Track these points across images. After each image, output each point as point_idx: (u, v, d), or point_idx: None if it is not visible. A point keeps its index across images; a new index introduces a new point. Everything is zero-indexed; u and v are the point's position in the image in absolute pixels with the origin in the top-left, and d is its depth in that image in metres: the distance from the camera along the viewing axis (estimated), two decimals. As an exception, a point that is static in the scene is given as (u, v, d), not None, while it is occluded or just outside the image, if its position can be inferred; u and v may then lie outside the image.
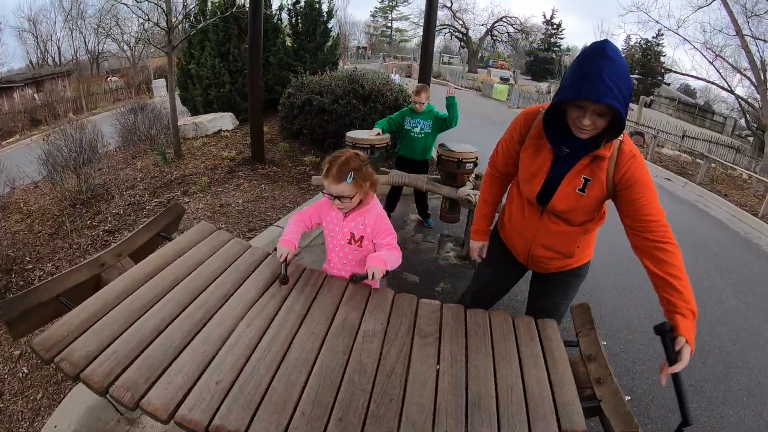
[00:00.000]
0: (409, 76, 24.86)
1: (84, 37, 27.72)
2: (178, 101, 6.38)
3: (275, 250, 1.63)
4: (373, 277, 1.47)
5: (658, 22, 13.03)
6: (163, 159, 5.74)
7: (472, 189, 3.41)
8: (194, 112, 8.81)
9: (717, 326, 3.57)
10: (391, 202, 4.06)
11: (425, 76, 5.25)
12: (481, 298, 1.85)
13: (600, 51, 1.13)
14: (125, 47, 26.58)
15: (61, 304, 1.42)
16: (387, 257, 1.53)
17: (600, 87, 1.10)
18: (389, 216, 4.13)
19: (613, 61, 1.12)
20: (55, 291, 1.41)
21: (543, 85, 29.99)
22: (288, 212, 4.10)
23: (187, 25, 7.56)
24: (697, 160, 12.67)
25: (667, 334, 1.21)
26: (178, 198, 4.53)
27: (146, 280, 1.47)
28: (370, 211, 1.60)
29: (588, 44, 1.29)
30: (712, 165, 10.26)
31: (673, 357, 1.18)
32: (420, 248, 3.86)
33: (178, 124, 6.26)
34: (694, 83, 35.01)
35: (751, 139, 21.57)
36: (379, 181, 1.63)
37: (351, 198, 1.52)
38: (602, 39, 1.19)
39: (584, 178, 1.34)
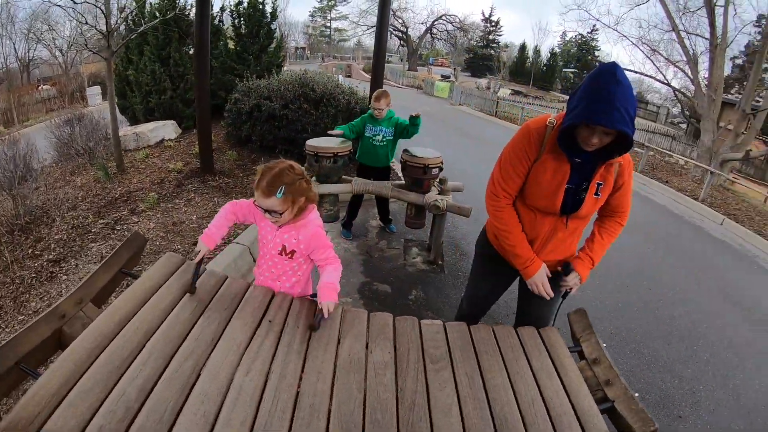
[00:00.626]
0: (349, 76, 24.97)
1: (14, 44, 25.30)
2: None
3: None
4: (326, 313, 1.47)
5: (598, 20, 14.27)
6: (105, 174, 5.36)
7: (438, 194, 3.49)
8: (134, 121, 8.42)
9: (675, 307, 3.94)
10: (353, 209, 4.05)
11: (378, 77, 5.28)
12: (480, 306, 2.07)
13: (612, 76, 1.26)
14: (57, 53, 24.77)
15: (23, 372, 1.24)
16: (335, 281, 1.54)
17: (614, 114, 1.25)
18: (351, 223, 4.13)
19: (623, 86, 1.27)
20: (13, 358, 1.21)
21: (482, 81, 31.53)
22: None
23: (123, 29, 7.11)
24: (636, 149, 13.96)
25: (569, 267, 1.69)
26: (126, 217, 4.22)
27: (117, 331, 1.32)
28: (306, 226, 1.56)
29: (598, 65, 1.45)
30: (651, 153, 11.32)
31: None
32: (385, 255, 3.88)
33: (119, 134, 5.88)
34: (627, 75, 38.66)
35: (683, 126, 24.15)
36: (317, 195, 1.60)
37: (281, 213, 1.46)
38: (611, 62, 1.34)
39: (597, 183, 1.53)
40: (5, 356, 1.24)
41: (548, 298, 1.69)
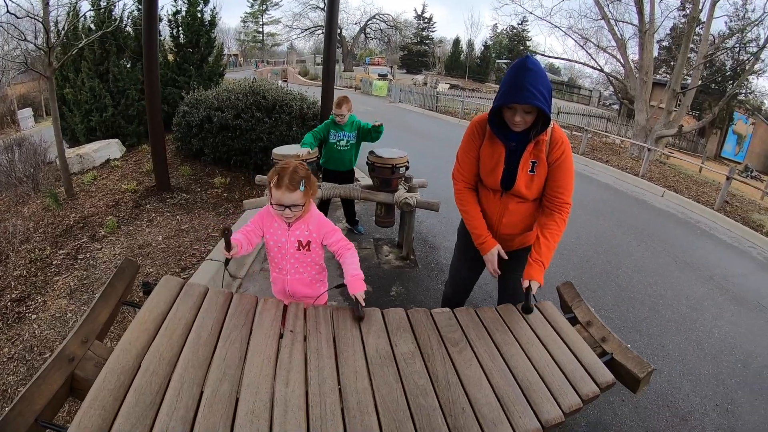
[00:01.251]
0: (285, 80, 24.80)
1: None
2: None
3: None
4: (363, 300, 1.66)
5: (531, 13, 15.39)
6: (55, 202, 5.13)
7: (407, 192, 3.70)
8: (74, 141, 8.07)
9: (633, 275, 4.43)
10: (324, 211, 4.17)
11: (329, 82, 5.38)
12: (462, 286, 2.36)
13: (523, 65, 1.61)
14: None
15: (42, 428, 1.19)
16: (358, 269, 1.74)
17: (525, 93, 1.57)
18: None
19: (533, 72, 1.59)
20: (31, 415, 1.16)
21: (419, 78, 32.64)
22: (214, 241, 3.96)
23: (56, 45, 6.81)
24: (575, 132, 15.14)
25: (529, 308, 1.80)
26: (87, 245, 4.07)
27: (138, 365, 1.32)
28: (312, 216, 1.80)
29: (515, 60, 1.78)
30: (589, 135, 12.35)
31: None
32: (359, 256, 4.06)
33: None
34: (558, 63, 41.75)
35: (616, 107, 26.39)
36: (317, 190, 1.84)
37: (302, 206, 1.69)
38: (525, 55, 1.70)
39: (531, 161, 1.79)
40: (23, 414, 1.19)
41: (495, 276, 2.02)
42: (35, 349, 2.86)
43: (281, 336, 1.53)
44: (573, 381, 1.47)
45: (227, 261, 1.79)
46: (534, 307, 1.75)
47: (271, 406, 1.25)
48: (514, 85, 1.59)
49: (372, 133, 3.71)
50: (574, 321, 1.87)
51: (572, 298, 1.94)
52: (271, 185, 1.65)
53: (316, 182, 1.76)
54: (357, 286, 1.68)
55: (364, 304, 1.65)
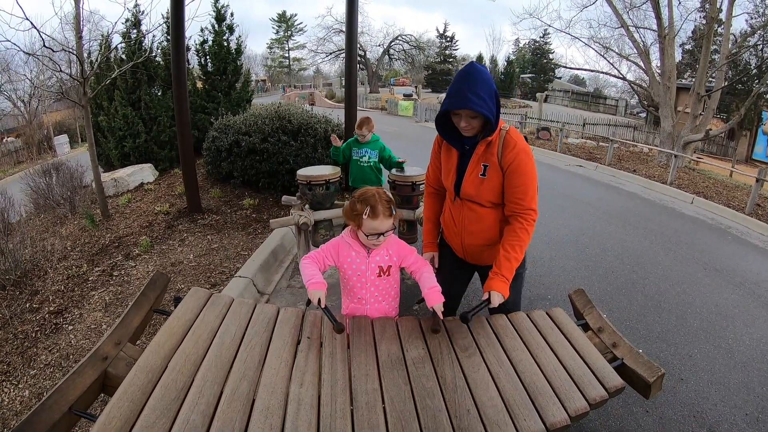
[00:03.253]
0: (312, 104, 25.49)
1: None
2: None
3: (308, 299, 1.71)
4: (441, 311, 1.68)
5: (550, 26, 15.41)
6: (92, 222, 5.46)
7: None
8: (109, 167, 8.59)
9: (660, 284, 4.31)
10: None
11: (351, 105, 5.56)
12: (449, 299, 2.25)
13: (465, 73, 1.66)
14: (19, 103, 24.07)
15: (76, 417, 1.34)
16: (436, 283, 1.75)
17: (466, 98, 1.61)
18: None
19: (474, 77, 1.63)
20: (65, 404, 1.30)
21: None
22: (243, 260, 4.10)
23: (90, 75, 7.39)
24: (601, 143, 14.90)
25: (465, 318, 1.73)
26: (122, 263, 4.30)
27: (165, 365, 1.44)
28: (390, 241, 1.80)
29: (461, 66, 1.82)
30: (615, 146, 12.14)
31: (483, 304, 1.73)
32: None
33: (96, 181, 6.01)
34: (582, 74, 41.41)
35: (643, 116, 25.83)
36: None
37: (393, 231, 1.74)
38: (468, 62, 1.73)
39: (483, 165, 1.79)
40: (58, 402, 1.33)
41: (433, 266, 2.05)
42: (71, 357, 3.03)
43: (299, 342, 1.61)
44: (580, 385, 1.48)
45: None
46: (470, 319, 1.68)
47: (285, 404, 1.33)
48: (456, 92, 1.64)
49: (389, 160, 3.86)
50: (585, 328, 1.87)
51: (584, 305, 1.95)
52: (364, 217, 1.66)
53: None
54: (435, 298, 1.69)
55: (442, 317, 1.67)
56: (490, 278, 1.73)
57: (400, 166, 3.81)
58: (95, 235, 5.22)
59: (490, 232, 1.89)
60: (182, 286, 3.72)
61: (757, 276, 4.81)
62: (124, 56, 7.86)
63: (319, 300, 1.62)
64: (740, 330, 3.58)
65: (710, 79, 12.76)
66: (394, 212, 1.71)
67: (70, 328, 3.38)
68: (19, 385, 2.85)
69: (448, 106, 1.69)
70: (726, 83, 13.17)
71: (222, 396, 1.36)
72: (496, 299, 1.69)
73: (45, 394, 2.69)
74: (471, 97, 1.60)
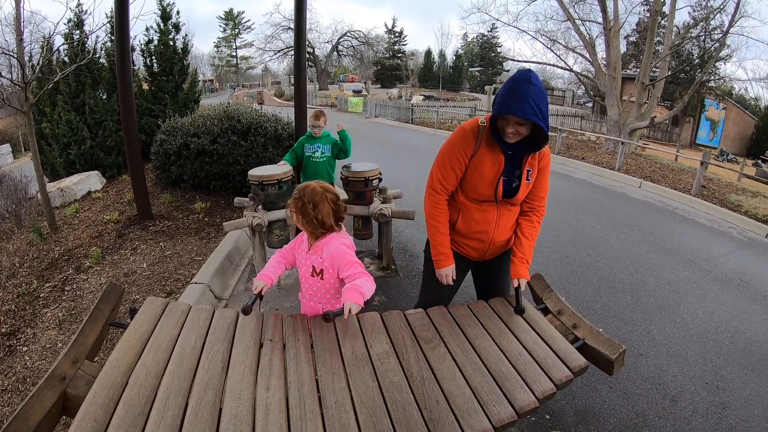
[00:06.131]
0: (261, 103, 24.97)
1: None
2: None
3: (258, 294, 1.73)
4: (350, 311, 1.55)
5: (498, 20, 15.69)
6: (39, 236, 5.18)
7: (381, 203, 3.79)
8: (54, 176, 8.11)
9: (614, 265, 4.55)
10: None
11: (301, 101, 5.49)
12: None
13: (526, 80, 1.59)
14: None
15: None
16: (363, 287, 1.62)
17: (525, 107, 1.57)
18: None
19: (536, 87, 1.59)
20: (27, 430, 1.22)
21: (394, 91, 33.09)
22: (198, 265, 4.00)
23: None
24: (550, 132, 15.43)
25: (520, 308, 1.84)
26: (73, 276, 4.11)
27: (126, 380, 1.38)
28: (327, 245, 1.74)
29: (516, 71, 1.77)
30: (564, 134, 12.62)
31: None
32: None
33: (42, 192, 5.67)
34: (530, 66, 42.67)
35: (589, 105, 26.92)
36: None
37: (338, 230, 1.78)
38: (526, 69, 1.68)
39: (528, 170, 1.83)
40: (19, 429, 1.25)
41: (450, 283, 1.99)
42: (28, 380, 2.87)
43: (261, 345, 1.59)
44: (545, 368, 1.54)
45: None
46: (524, 308, 1.79)
47: (253, 411, 1.31)
48: (515, 98, 1.59)
49: (341, 144, 3.86)
50: (545, 311, 1.95)
51: (542, 289, 2.03)
52: None
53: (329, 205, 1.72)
54: (353, 297, 1.58)
55: (347, 314, 1.55)
56: (517, 265, 1.87)
57: (342, 135, 3.87)
58: (44, 249, 4.97)
59: (514, 225, 2.00)
60: (137, 296, 3.59)
61: (706, 253, 5.16)
62: (66, 59, 7.44)
63: (261, 290, 1.73)
64: (693, 304, 3.83)
65: (654, 69, 13.52)
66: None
67: (25, 349, 3.21)
68: (-23, 416, 2.66)
69: (503, 110, 1.63)
70: (669, 73, 13.98)
71: (188, 407, 1.32)
72: (524, 285, 1.86)
73: (5, 422, 2.53)
74: (533, 107, 1.57)
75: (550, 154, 1.89)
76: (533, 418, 2.40)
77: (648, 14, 16.03)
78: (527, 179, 1.84)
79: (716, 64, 17.44)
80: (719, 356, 3.09)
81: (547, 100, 1.66)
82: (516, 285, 1.85)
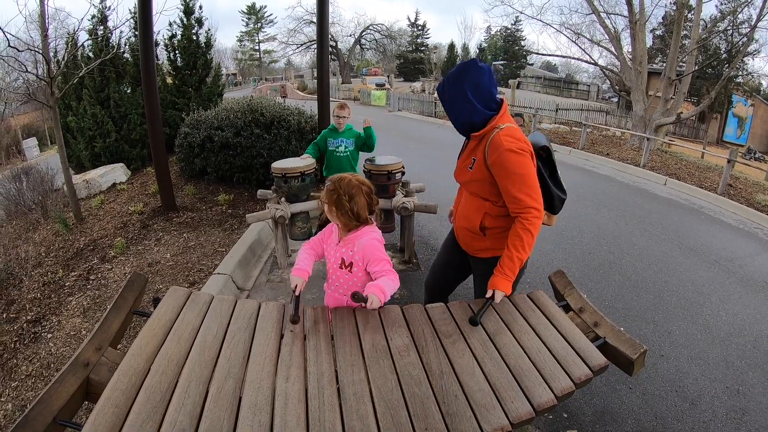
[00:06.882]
0: (284, 96, 25.15)
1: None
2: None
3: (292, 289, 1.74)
4: (371, 304, 1.59)
5: (522, 13, 15.40)
6: (65, 227, 5.35)
7: (405, 197, 3.78)
8: (80, 168, 8.37)
9: (637, 263, 4.44)
10: (324, 224, 4.25)
11: (323, 95, 5.53)
12: (435, 286, 2.37)
13: (453, 71, 1.78)
14: None
15: (61, 427, 1.30)
16: (386, 285, 1.65)
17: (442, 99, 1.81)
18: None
19: (455, 76, 1.76)
20: (49, 414, 1.27)
21: (417, 85, 32.83)
22: (221, 256, 4.06)
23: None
24: (574, 128, 15.16)
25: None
26: (98, 266, 4.23)
27: (148, 368, 1.41)
28: (359, 238, 1.76)
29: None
30: (588, 130, 12.36)
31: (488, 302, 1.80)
32: None
33: (68, 183, 5.86)
34: (554, 60, 42.01)
35: (615, 100, 26.32)
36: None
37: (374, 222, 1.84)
38: (463, 61, 1.81)
39: (472, 159, 1.90)
40: (42, 413, 1.29)
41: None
42: (52, 366, 2.97)
43: (282, 336, 1.60)
44: (565, 365, 1.51)
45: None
46: (479, 322, 1.67)
47: (272, 400, 1.32)
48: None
49: (366, 140, 3.81)
50: (567, 309, 1.91)
51: (564, 286, 1.99)
52: None
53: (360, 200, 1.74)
54: (376, 291, 1.61)
55: (369, 305, 1.58)
56: (494, 276, 1.81)
57: (368, 132, 3.81)
58: (69, 239, 5.12)
59: (472, 220, 1.97)
60: (161, 286, 3.67)
61: (731, 254, 5.00)
62: (91, 54, 7.61)
63: (296, 287, 1.70)
64: (717, 306, 3.72)
65: (681, 63, 13.10)
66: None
67: (50, 336, 3.32)
68: (1, 398, 2.79)
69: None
70: (696, 68, 13.54)
71: (208, 395, 1.34)
72: (499, 296, 1.78)
73: (28, 405, 2.63)
74: (445, 98, 1.78)
75: (503, 153, 1.72)
76: (551, 416, 2.37)
77: (674, 7, 15.53)
78: (470, 167, 1.91)
79: (744, 60, 16.80)
80: (741, 360, 3.00)
81: (464, 87, 1.74)
82: (489, 295, 1.78)
